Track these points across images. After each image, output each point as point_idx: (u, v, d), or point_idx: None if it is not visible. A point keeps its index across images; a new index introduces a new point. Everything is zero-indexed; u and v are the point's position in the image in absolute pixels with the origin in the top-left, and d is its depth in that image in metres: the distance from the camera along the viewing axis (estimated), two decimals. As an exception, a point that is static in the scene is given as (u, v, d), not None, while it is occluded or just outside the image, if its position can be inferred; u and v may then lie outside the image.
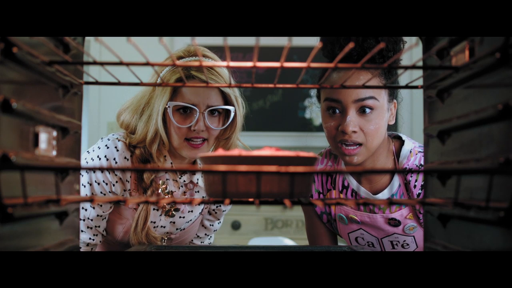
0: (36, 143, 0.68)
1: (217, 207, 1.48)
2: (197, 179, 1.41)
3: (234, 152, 0.67)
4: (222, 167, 0.63)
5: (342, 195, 1.36)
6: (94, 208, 1.29)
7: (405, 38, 1.30)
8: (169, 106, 1.24)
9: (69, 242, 0.81)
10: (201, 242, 1.55)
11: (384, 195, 1.30)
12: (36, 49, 0.66)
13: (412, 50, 2.78)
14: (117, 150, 1.30)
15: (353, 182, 1.35)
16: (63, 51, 0.77)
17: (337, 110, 1.22)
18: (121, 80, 0.83)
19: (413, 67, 0.75)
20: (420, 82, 0.89)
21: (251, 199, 0.66)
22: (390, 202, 0.66)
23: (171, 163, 1.34)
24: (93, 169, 1.36)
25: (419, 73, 2.02)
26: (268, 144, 2.21)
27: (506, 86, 0.60)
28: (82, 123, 0.87)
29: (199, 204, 0.66)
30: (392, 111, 1.29)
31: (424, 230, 0.87)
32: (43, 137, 0.70)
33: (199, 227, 1.51)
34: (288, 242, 2.43)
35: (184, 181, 1.39)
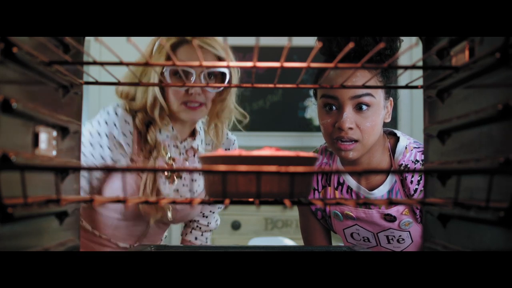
0: (36, 143, 0.68)
1: None
2: (197, 145, 1.42)
3: (234, 152, 0.67)
4: (222, 167, 0.63)
5: (337, 192, 1.37)
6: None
7: (405, 38, 1.30)
8: (165, 70, 1.26)
9: (69, 242, 0.81)
10: (208, 223, 1.56)
11: (380, 191, 1.30)
12: (36, 49, 0.66)
13: (412, 50, 2.78)
14: (117, 115, 1.31)
15: (348, 179, 1.35)
16: (63, 51, 0.77)
17: (333, 107, 1.23)
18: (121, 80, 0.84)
19: (413, 67, 0.75)
20: (420, 82, 0.89)
21: (251, 199, 0.66)
22: (390, 202, 0.66)
23: (172, 127, 1.35)
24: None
25: (419, 73, 2.02)
26: (268, 144, 2.21)
27: (506, 86, 0.60)
28: (82, 123, 0.87)
29: (199, 204, 0.66)
30: (388, 108, 1.29)
31: (424, 230, 0.87)
32: (43, 137, 0.70)
33: (204, 210, 1.52)
34: (288, 242, 2.43)
35: (185, 147, 1.40)
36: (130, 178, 1.33)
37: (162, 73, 1.27)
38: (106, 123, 1.31)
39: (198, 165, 1.43)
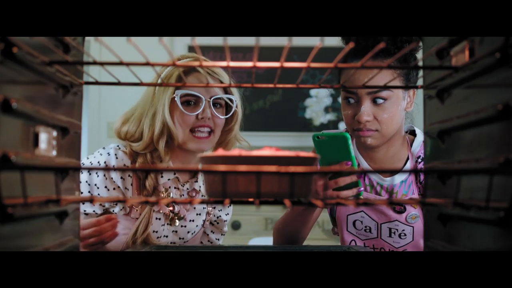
0: (36, 143, 0.68)
1: (218, 217, 1.49)
2: (199, 186, 1.42)
3: (234, 152, 0.67)
4: (222, 167, 0.63)
5: None
6: (87, 214, 1.29)
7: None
8: (176, 95, 1.27)
9: (69, 242, 0.81)
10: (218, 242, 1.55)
11: (394, 179, 1.36)
12: (36, 49, 0.66)
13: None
14: (117, 158, 1.31)
15: (363, 163, 1.42)
16: (63, 51, 0.77)
17: (352, 100, 1.30)
18: (121, 80, 0.83)
19: (413, 67, 0.75)
20: (420, 82, 0.90)
21: (251, 199, 0.66)
22: (390, 202, 0.66)
23: (174, 173, 1.35)
24: (93, 169, 1.36)
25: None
26: (268, 144, 2.21)
27: (506, 86, 0.60)
28: (82, 123, 0.87)
29: (199, 204, 0.66)
30: (411, 98, 1.35)
31: (424, 230, 0.87)
32: (43, 137, 0.70)
33: (206, 243, 1.51)
34: (288, 242, 2.42)
35: (187, 189, 1.39)
36: (128, 223, 1.32)
37: (172, 99, 1.28)
38: (106, 164, 1.30)
39: (200, 206, 1.43)
